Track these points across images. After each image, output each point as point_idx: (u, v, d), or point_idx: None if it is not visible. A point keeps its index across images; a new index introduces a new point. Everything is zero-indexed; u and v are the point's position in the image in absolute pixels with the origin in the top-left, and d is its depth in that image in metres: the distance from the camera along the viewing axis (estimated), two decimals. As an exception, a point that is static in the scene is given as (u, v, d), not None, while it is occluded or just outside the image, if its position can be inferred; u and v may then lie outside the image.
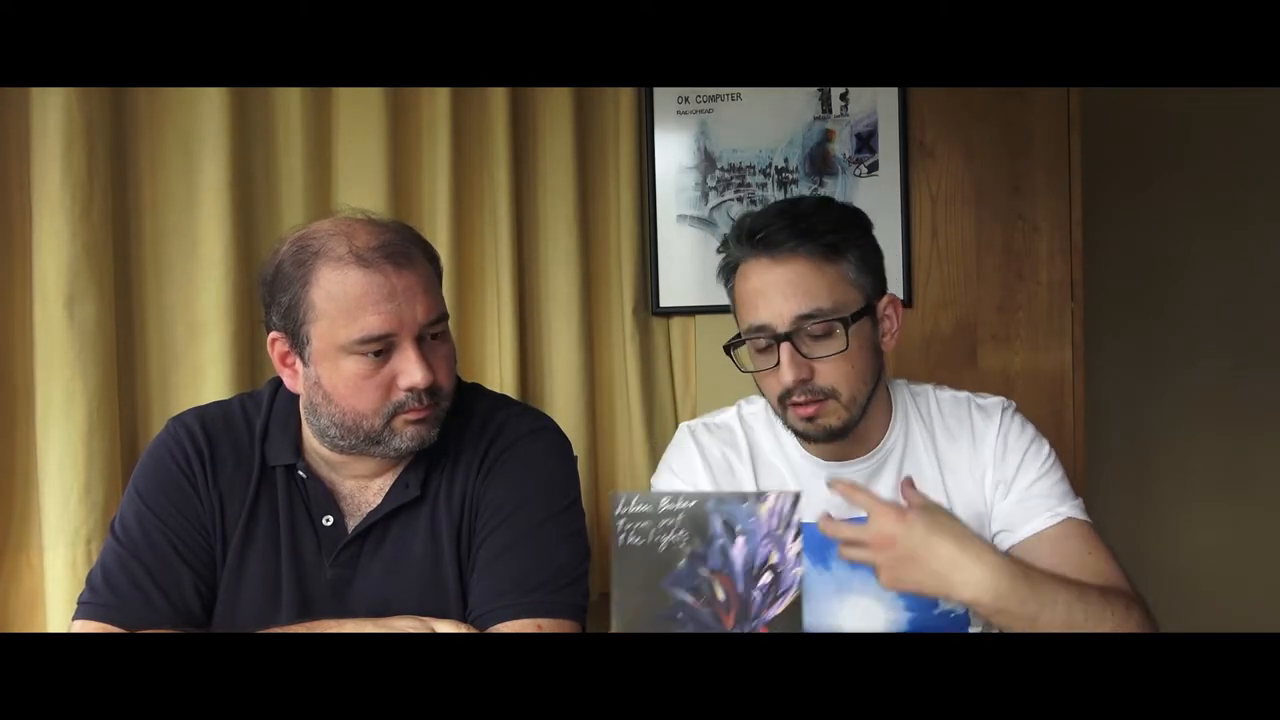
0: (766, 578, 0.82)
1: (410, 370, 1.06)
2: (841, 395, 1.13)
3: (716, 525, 0.81)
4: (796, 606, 0.82)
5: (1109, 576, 1.12)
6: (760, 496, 0.82)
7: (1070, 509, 1.17)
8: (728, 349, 1.19)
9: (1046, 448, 1.21)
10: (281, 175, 1.59)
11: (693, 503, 0.81)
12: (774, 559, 0.82)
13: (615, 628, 0.82)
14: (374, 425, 1.08)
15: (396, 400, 1.08)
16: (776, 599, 0.82)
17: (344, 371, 1.07)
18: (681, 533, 0.80)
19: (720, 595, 0.81)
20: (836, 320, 1.11)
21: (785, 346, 1.11)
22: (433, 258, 1.14)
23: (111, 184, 1.44)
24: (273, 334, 1.12)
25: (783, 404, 1.15)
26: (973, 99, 1.79)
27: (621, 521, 0.80)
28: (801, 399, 1.12)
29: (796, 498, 0.83)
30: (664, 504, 0.80)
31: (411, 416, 1.09)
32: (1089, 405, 1.83)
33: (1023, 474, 1.19)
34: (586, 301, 1.77)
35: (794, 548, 0.82)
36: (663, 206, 1.82)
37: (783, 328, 1.11)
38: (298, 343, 1.09)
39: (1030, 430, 1.22)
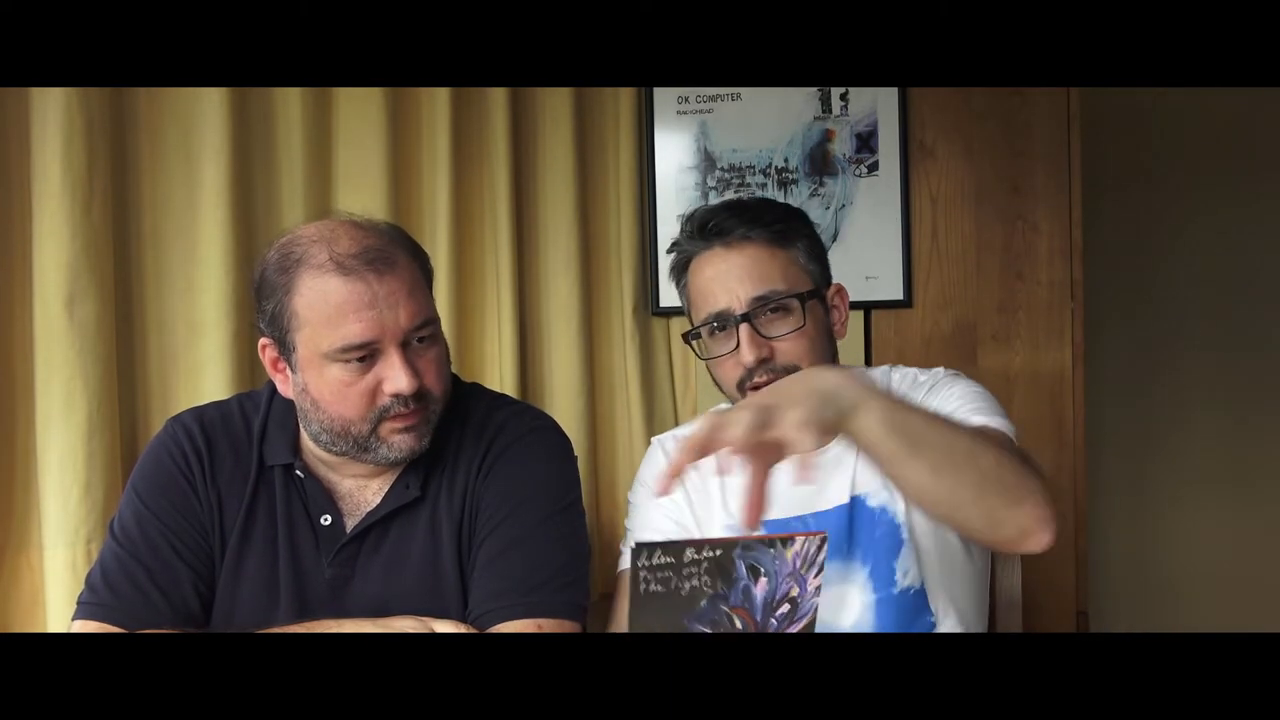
0: (784, 608, 0.82)
1: (394, 376, 1.05)
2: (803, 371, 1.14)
3: (741, 569, 0.80)
4: (810, 630, 0.84)
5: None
6: (787, 541, 0.80)
7: (996, 423, 1.11)
8: (686, 338, 1.22)
9: (978, 386, 1.20)
10: (281, 175, 1.59)
11: (718, 551, 0.79)
12: (794, 593, 0.82)
13: None
14: (361, 431, 1.08)
15: (382, 405, 1.07)
16: (791, 624, 0.83)
17: (329, 378, 1.06)
18: (705, 579, 0.79)
19: (738, 625, 0.81)
20: (792, 297, 1.15)
21: (744, 327, 1.14)
22: (421, 259, 1.12)
23: (111, 184, 1.44)
24: (263, 340, 1.12)
25: (743, 389, 1.16)
26: (973, 99, 1.79)
27: (644, 573, 0.77)
28: (764, 378, 1.14)
29: (823, 541, 0.82)
30: (689, 554, 0.78)
31: (399, 424, 1.08)
32: (1089, 405, 1.83)
33: (954, 396, 1.17)
34: (586, 301, 1.77)
35: (814, 583, 0.82)
36: (663, 206, 1.82)
37: (740, 309, 1.15)
38: (285, 350, 1.09)
39: (962, 376, 1.22)
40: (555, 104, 1.75)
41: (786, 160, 1.81)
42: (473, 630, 1.07)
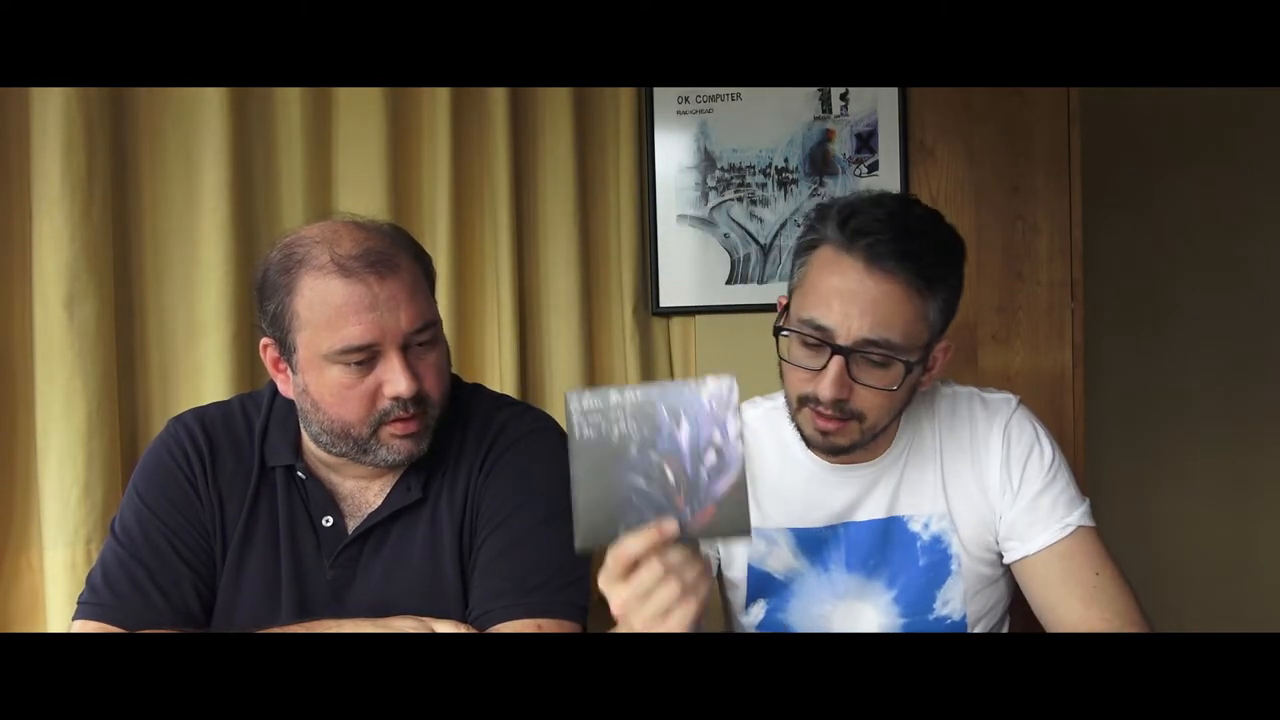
0: (711, 457, 0.84)
1: (394, 380, 1.05)
2: (866, 420, 1.09)
3: (663, 413, 0.84)
4: (741, 483, 0.84)
5: (1116, 598, 1.11)
6: (700, 383, 0.85)
7: (1079, 516, 1.15)
8: (776, 333, 1.11)
9: (1051, 449, 1.18)
10: (281, 176, 1.59)
11: (639, 394, 0.85)
12: (717, 438, 0.84)
13: (577, 530, 0.85)
14: (361, 434, 1.08)
15: (382, 409, 1.07)
16: (722, 475, 0.84)
17: (329, 381, 1.06)
18: (632, 423, 0.84)
19: (670, 478, 0.84)
20: (900, 361, 1.05)
21: (837, 361, 1.04)
22: (423, 261, 1.12)
23: (111, 184, 1.44)
24: (264, 340, 1.12)
25: (802, 403, 1.11)
26: (973, 99, 1.79)
27: (576, 417, 0.84)
28: (827, 412, 1.08)
29: (732, 383, 0.85)
30: (613, 398, 0.85)
31: (398, 429, 1.08)
32: (1089, 405, 1.83)
33: (1029, 480, 1.16)
34: (586, 301, 1.77)
35: (734, 427, 0.84)
36: (663, 206, 1.82)
37: (844, 341, 1.04)
38: (285, 350, 1.09)
39: (1034, 430, 1.19)
40: (555, 104, 1.75)
41: (786, 160, 1.81)
42: (473, 630, 1.07)
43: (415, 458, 1.11)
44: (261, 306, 1.09)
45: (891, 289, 1.03)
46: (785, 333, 1.09)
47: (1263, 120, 2.38)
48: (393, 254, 1.07)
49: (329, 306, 1.04)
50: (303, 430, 1.15)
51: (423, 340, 1.08)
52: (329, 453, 1.12)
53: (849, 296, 1.04)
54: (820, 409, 1.08)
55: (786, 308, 1.13)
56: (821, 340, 1.06)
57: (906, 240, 1.04)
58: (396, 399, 1.06)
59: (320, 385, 1.07)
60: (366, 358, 1.05)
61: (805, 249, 1.10)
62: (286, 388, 1.12)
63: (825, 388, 1.05)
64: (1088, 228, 1.80)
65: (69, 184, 1.37)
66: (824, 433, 1.10)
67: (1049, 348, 1.78)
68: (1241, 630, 0.85)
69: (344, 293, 1.03)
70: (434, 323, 1.10)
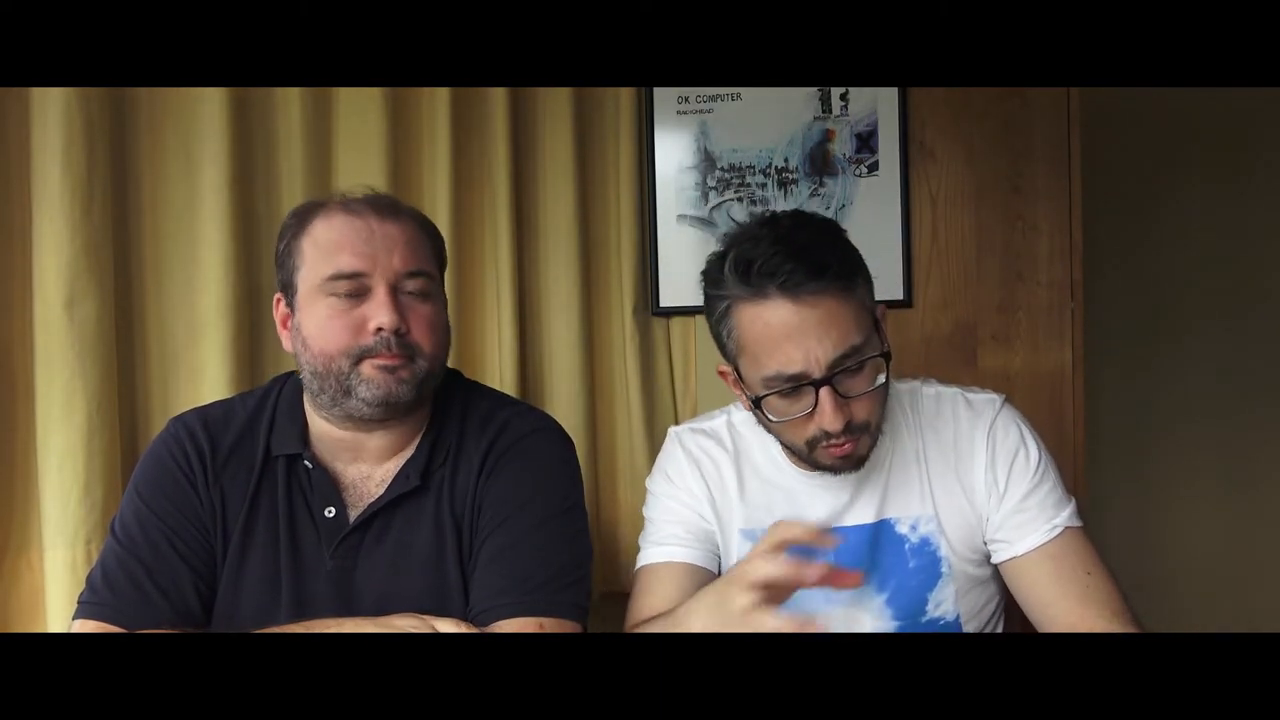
0: None
1: (379, 313, 1.08)
2: (872, 425, 1.10)
3: None
4: None
5: (1110, 598, 1.12)
6: None
7: (1066, 517, 1.15)
8: (757, 403, 1.10)
9: (1037, 450, 1.18)
10: (281, 176, 1.59)
11: None
12: None
13: None
14: (341, 368, 1.09)
15: (364, 344, 1.09)
16: None
17: (318, 313, 1.10)
18: None
19: None
20: (870, 357, 1.06)
21: (825, 392, 1.05)
22: (431, 233, 1.18)
23: (111, 184, 1.44)
24: (276, 295, 1.16)
25: (813, 448, 1.10)
26: (973, 99, 1.79)
27: None
28: (840, 439, 1.08)
29: None
30: None
31: (379, 361, 1.09)
32: (1089, 405, 1.83)
33: (1016, 481, 1.16)
34: (586, 301, 1.77)
35: None
36: (663, 206, 1.82)
37: (820, 373, 1.04)
38: (289, 294, 1.13)
39: (1019, 430, 1.19)
40: (555, 104, 1.75)
41: (786, 160, 1.81)
42: (474, 629, 1.07)
43: (395, 399, 1.10)
44: (277, 257, 1.15)
45: (825, 304, 1.04)
46: (764, 397, 1.09)
47: (1263, 120, 2.38)
48: (400, 207, 1.14)
49: (329, 239, 1.10)
50: (308, 411, 1.15)
51: (414, 289, 1.11)
52: (316, 401, 1.13)
53: (796, 334, 1.04)
54: (832, 441, 1.08)
55: (739, 376, 1.12)
56: (797, 385, 1.06)
57: (807, 255, 1.03)
58: (379, 332, 1.07)
59: (310, 320, 1.10)
60: (355, 289, 1.09)
61: (722, 316, 1.09)
62: (289, 342, 1.15)
63: (829, 421, 1.06)
64: (1088, 228, 1.80)
65: (69, 184, 1.37)
66: (843, 456, 1.10)
67: (1049, 348, 1.78)
68: (1241, 628, 0.85)
69: (345, 227, 1.10)
70: (429, 275, 1.14)
